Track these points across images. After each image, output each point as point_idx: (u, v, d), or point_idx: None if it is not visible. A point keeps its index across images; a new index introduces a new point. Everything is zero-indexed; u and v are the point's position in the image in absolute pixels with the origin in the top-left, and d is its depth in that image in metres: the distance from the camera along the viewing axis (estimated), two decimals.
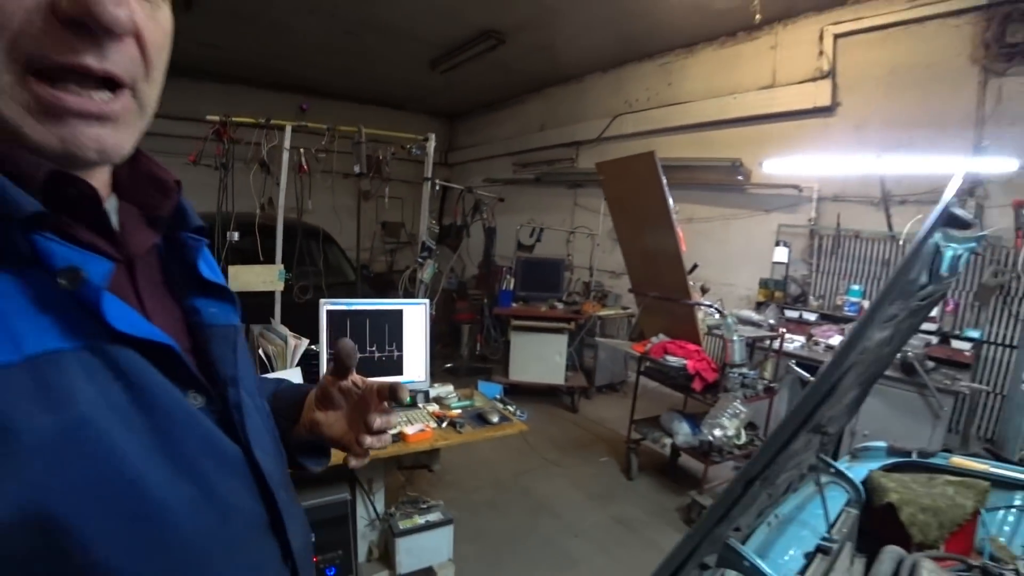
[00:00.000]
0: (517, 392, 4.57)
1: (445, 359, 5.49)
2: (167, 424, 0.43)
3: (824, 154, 3.70)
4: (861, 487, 1.35)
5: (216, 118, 2.91)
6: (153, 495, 0.40)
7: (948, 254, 0.84)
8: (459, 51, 5.33)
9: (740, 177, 4.25)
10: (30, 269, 0.39)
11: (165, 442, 0.42)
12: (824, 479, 1.35)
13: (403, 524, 2.20)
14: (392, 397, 0.63)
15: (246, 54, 5.99)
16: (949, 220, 0.79)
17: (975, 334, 3.08)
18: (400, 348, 2.21)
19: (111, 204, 0.49)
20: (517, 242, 5.91)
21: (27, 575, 0.36)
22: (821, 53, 3.78)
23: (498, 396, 2.61)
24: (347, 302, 2.14)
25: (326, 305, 2.08)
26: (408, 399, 0.65)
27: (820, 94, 3.78)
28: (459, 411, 2.28)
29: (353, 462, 0.66)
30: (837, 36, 3.70)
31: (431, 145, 3.70)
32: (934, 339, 3.15)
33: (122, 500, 0.39)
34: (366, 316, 2.15)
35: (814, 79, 3.82)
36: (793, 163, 3.84)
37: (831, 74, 3.74)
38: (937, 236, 0.79)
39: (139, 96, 0.44)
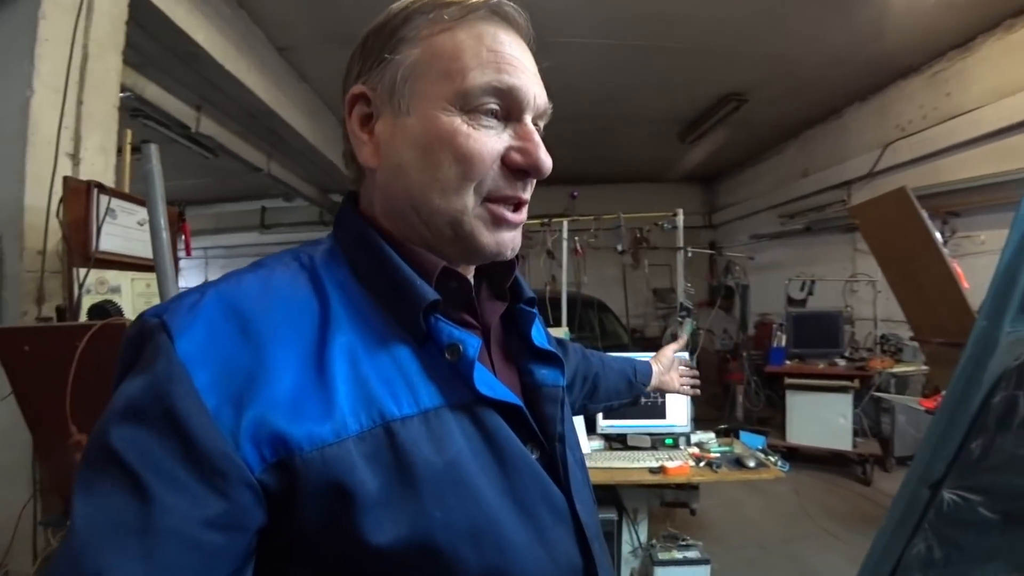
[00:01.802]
0: (798, 458, 4.36)
1: (718, 420, 5.48)
2: (514, 473, 0.49)
3: None
4: None
5: None
6: (507, 534, 0.47)
7: None
8: (703, 120, 5.63)
9: None
10: (426, 343, 0.50)
11: (513, 488, 0.49)
12: None
13: (663, 555, 2.42)
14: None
15: None
16: None
17: None
18: (663, 395, 2.48)
19: (470, 276, 0.59)
20: (787, 297, 5.64)
21: None
22: None
23: (761, 447, 2.63)
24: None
25: None
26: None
27: None
28: (717, 455, 2.45)
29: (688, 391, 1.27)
30: None
31: (680, 219, 4.21)
32: None
33: (485, 535, 0.45)
34: None
35: None
36: None
37: None
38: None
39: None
